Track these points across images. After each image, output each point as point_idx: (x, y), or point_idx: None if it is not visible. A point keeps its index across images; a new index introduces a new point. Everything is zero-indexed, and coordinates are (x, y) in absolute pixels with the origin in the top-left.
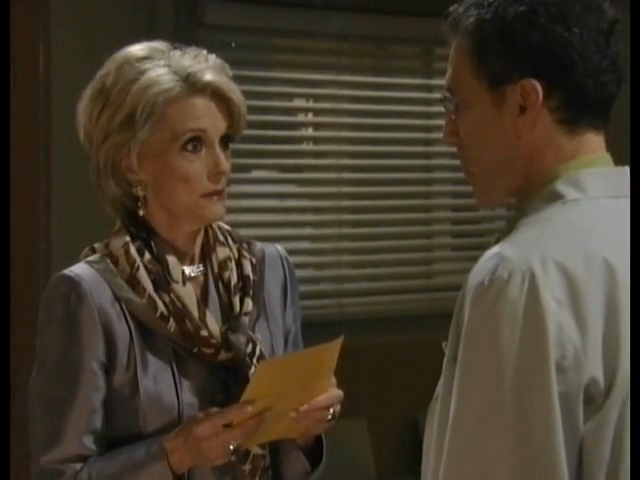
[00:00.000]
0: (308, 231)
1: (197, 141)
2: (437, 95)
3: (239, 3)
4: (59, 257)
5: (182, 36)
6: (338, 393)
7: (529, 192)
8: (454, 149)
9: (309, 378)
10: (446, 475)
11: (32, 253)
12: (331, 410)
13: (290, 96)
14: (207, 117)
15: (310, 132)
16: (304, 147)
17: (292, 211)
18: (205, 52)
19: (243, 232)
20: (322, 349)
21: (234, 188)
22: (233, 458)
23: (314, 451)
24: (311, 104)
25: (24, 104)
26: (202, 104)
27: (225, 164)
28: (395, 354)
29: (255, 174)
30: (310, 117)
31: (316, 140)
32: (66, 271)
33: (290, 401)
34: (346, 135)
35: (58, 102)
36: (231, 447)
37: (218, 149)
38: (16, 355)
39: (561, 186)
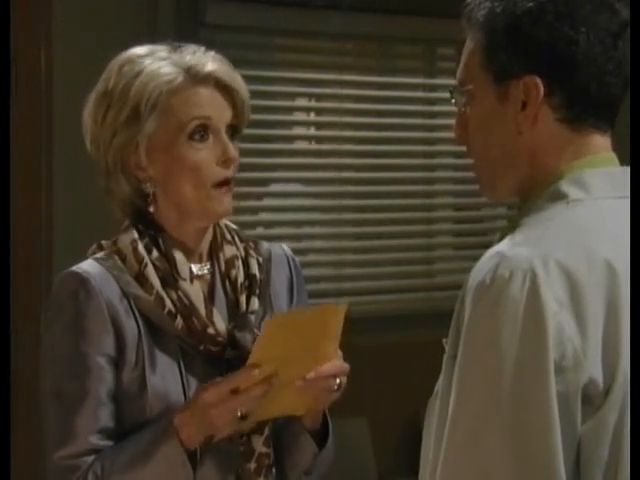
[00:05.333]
0: (309, 230)
1: (203, 130)
2: (439, 95)
3: (240, 3)
4: (60, 257)
5: (183, 36)
6: (344, 365)
7: (533, 191)
8: (456, 148)
9: (314, 341)
10: (444, 472)
11: (32, 253)
12: (337, 380)
13: (292, 95)
14: (211, 105)
15: (312, 131)
16: (306, 146)
17: (293, 210)
18: (204, 48)
19: (244, 232)
20: (326, 308)
21: (234, 188)
22: (245, 430)
23: (320, 436)
24: (313, 103)
25: (25, 104)
26: (206, 93)
27: (233, 150)
28: (396, 353)
29: (256, 174)
30: (312, 116)
31: (318, 139)
32: (74, 268)
33: (296, 367)
34: (348, 134)
35: (59, 102)
36: (238, 414)
37: (225, 136)
38: (16, 355)
39: (565, 186)
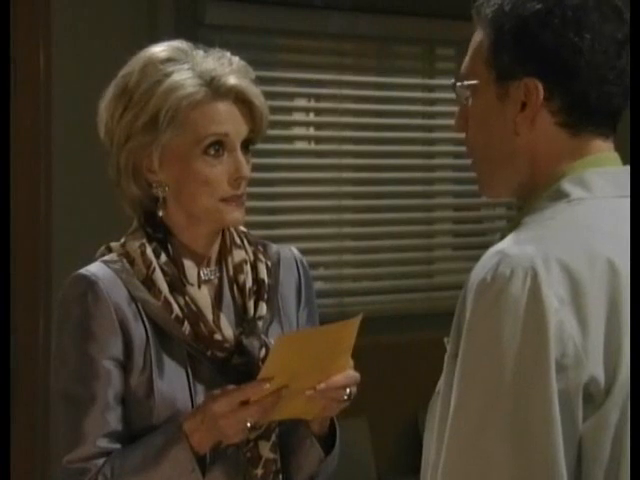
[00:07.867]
0: (309, 231)
1: (219, 145)
2: (439, 95)
3: (239, 3)
4: (60, 257)
5: (182, 36)
6: (355, 374)
7: (534, 191)
8: (456, 149)
9: (327, 356)
10: (445, 471)
11: (32, 253)
12: (347, 390)
13: (291, 96)
14: (230, 121)
15: (311, 132)
16: (305, 146)
17: (293, 211)
18: (229, 54)
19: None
20: (340, 326)
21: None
22: (252, 437)
23: (327, 441)
24: (312, 104)
25: (24, 105)
26: (225, 108)
27: (246, 169)
28: (396, 353)
29: (255, 174)
30: (311, 117)
31: (317, 140)
32: (82, 270)
33: (307, 379)
34: (347, 135)
35: (59, 102)
36: (248, 424)
37: (240, 154)
38: (16, 355)
39: (567, 185)
